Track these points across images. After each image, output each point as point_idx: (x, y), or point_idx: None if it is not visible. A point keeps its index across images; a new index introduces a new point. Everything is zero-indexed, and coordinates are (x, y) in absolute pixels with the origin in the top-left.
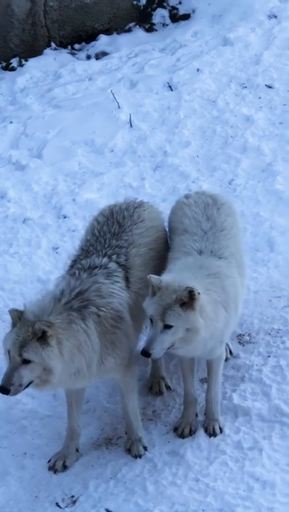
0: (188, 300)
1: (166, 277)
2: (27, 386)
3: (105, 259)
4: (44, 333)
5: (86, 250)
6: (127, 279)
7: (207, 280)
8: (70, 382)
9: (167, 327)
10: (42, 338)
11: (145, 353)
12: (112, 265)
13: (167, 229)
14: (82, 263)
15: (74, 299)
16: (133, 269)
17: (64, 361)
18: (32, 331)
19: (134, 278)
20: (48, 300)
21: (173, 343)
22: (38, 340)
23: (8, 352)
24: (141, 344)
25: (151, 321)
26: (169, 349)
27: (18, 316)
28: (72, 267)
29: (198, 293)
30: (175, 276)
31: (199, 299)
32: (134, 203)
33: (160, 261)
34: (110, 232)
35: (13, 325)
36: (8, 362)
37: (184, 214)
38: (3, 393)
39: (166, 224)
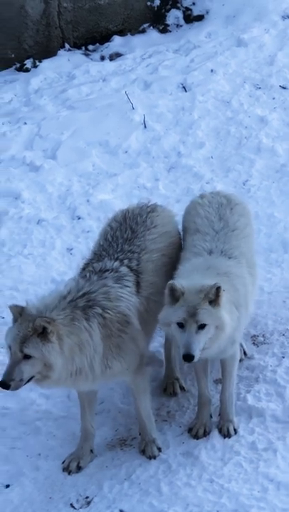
0: (214, 297)
1: (183, 282)
2: (28, 381)
3: (117, 263)
4: (45, 329)
5: (99, 254)
6: (137, 284)
7: (217, 279)
8: (73, 381)
9: (201, 327)
10: (42, 333)
11: (188, 356)
12: (124, 269)
13: (181, 228)
14: (94, 266)
15: (80, 298)
16: (144, 274)
17: (64, 358)
18: (33, 327)
19: (145, 283)
20: (53, 297)
21: (205, 343)
22: (38, 336)
23: (9, 347)
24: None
25: (182, 326)
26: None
27: (18, 312)
28: (84, 269)
29: (224, 289)
30: (188, 279)
31: (223, 294)
32: (147, 207)
33: (172, 266)
34: (123, 237)
35: (14, 320)
36: (9, 357)
37: (197, 214)
38: (3, 388)
39: (179, 228)
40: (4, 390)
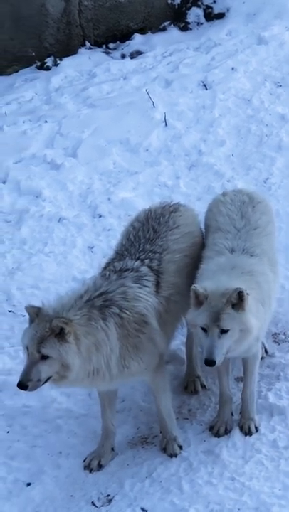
0: (237, 301)
1: (208, 284)
2: (45, 382)
3: (138, 263)
4: (62, 329)
5: (120, 254)
6: (157, 284)
7: (242, 278)
8: (90, 381)
9: (223, 332)
10: (60, 334)
11: (210, 362)
12: (144, 269)
13: (203, 227)
14: (115, 265)
15: (97, 298)
16: (165, 274)
17: (82, 358)
18: (50, 327)
19: (165, 283)
20: (70, 296)
21: (230, 347)
22: (56, 337)
23: (27, 348)
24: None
25: (205, 330)
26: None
27: (35, 313)
28: (105, 268)
29: (247, 293)
30: (213, 281)
31: (248, 298)
32: (169, 207)
33: (195, 267)
34: (145, 237)
35: (31, 321)
36: (26, 358)
37: (218, 212)
38: (21, 389)
39: (202, 227)
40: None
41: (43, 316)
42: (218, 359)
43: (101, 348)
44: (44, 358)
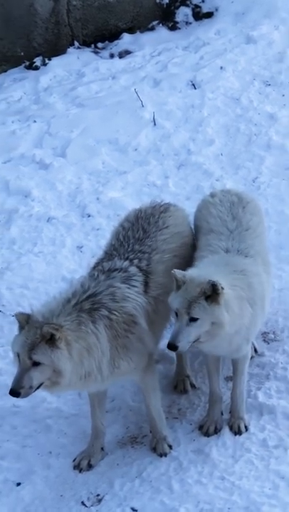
0: (212, 293)
1: (191, 272)
2: (37, 388)
3: (126, 263)
4: (52, 335)
5: (109, 254)
6: (146, 284)
7: (232, 276)
8: (82, 384)
9: (193, 320)
10: (51, 340)
11: (171, 346)
12: (133, 269)
13: (193, 227)
14: (104, 265)
15: (85, 301)
16: (154, 274)
17: (73, 363)
18: (41, 334)
19: (154, 283)
20: (58, 301)
21: (198, 337)
22: (46, 343)
23: (18, 355)
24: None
25: (177, 315)
26: (195, 343)
27: (25, 320)
28: (94, 268)
29: (222, 287)
30: (200, 270)
31: (224, 293)
32: (159, 207)
33: (185, 267)
34: (134, 237)
35: (21, 328)
36: (17, 365)
37: (209, 213)
38: (13, 396)
39: (192, 227)
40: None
41: (33, 322)
42: (182, 345)
43: (92, 352)
44: (36, 364)
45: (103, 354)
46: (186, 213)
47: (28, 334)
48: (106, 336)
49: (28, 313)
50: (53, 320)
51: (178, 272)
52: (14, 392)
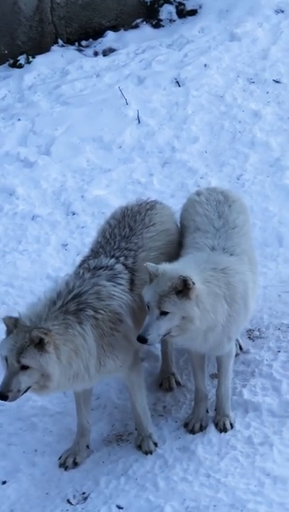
0: (183, 288)
1: (165, 266)
2: (25, 391)
3: (112, 260)
4: (41, 340)
5: (95, 251)
6: (132, 282)
7: (209, 273)
8: (69, 385)
9: (163, 313)
10: (39, 344)
11: (141, 338)
12: (118, 267)
13: (179, 226)
14: (89, 263)
15: (70, 302)
16: (140, 272)
17: (62, 366)
18: (29, 338)
19: (140, 281)
20: (43, 304)
21: (169, 331)
22: (35, 347)
23: (6, 358)
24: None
25: (148, 308)
26: (166, 336)
27: (13, 324)
28: (79, 266)
29: (193, 283)
30: (175, 265)
31: (194, 288)
32: (146, 205)
33: None
34: (121, 234)
35: (8, 332)
36: (5, 368)
37: (195, 212)
38: (1, 399)
39: (178, 224)
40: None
41: (21, 326)
42: (151, 338)
43: (80, 353)
44: (24, 368)
45: (90, 354)
46: (172, 211)
47: (17, 338)
48: (93, 335)
49: (16, 317)
50: (41, 324)
51: (150, 266)
52: (2, 396)
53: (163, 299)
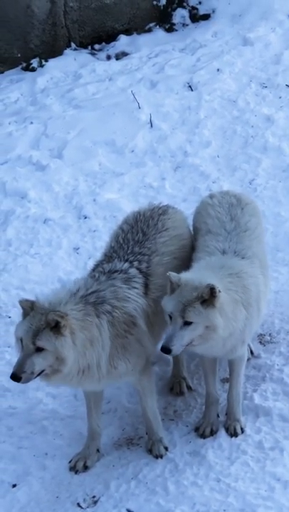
0: (208, 297)
1: (186, 275)
2: (38, 375)
3: (126, 265)
4: (58, 323)
5: (109, 256)
6: (146, 286)
7: (228, 279)
8: (79, 380)
9: (187, 323)
10: (55, 327)
11: (165, 349)
12: (133, 271)
13: (192, 229)
14: (104, 267)
15: (90, 295)
16: (154, 276)
17: (77, 352)
18: (46, 320)
19: (154, 285)
20: (65, 291)
21: (192, 340)
22: (51, 330)
23: (21, 340)
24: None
25: (171, 318)
26: (188, 346)
27: (29, 306)
28: (93, 270)
29: (219, 290)
30: (195, 274)
31: (220, 296)
32: (158, 210)
33: (184, 269)
34: (134, 239)
35: (25, 315)
36: (20, 350)
37: (207, 214)
38: (14, 380)
39: (191, 229)
40: (11, 390)
41: (39, 308)
42: (175, 348)
43: (94, 344)
44: (39, 350)
45: (103, 349)
46: (184, 215)
47: (33, 320)
48: (108, 332)
49: (32, 299)
50: (60, 308)
51: (173, 275)
52: (15, 377)
53: (187, 309)
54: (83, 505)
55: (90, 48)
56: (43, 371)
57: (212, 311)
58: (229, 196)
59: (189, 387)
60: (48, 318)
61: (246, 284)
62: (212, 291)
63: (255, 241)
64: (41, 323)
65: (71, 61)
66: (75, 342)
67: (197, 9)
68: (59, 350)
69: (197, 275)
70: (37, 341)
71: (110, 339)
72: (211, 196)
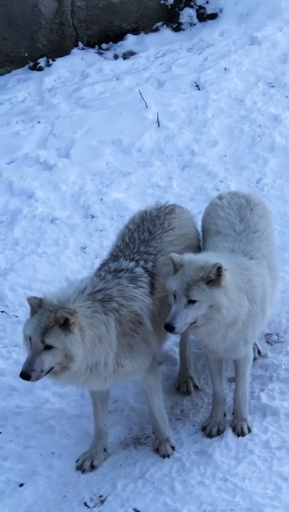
0: (215, 277)
1: (190, 255)
2: (47, 373)
3: (132, 264)
4: (67, 320)
5: (115, 255)
6: (152, 286)
7: (234, 265)
8: (86, 377)
9: (191, 302)
10: (64, 325)
11: (169, 326)
12: (139, 270)
13: (200, 230)
14: (110, 266)
15: (97, 292)
16: (160, 276)
17: (85, 349)
18: (54, 318)
19: (159, 285)
20: (72, 289)
21: (195, 319)
22: (60, 327)
23: (29, 338)
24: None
25: (175, 297)
26: (191, 326)
27: (37, 304)
28: (99, 269)
29: (226, 269)
30: (200, 255)
31: (226, 275)
32: (165, 209)
33: None
34: (140, 238)
35: (33, 312)
36: (28, 349)
37: (217, 216)
38: (24, 379)
39: (198, 228)
40: (18, 389)
41: (47, 306)
42: (178, 326)
43: (102, 342)
44: (48, 348)
45: (110, 348)
46: (191, 215)
47: (42, 318)
48: (115, 330)
49: (41, 297)
50: (69, 305)
51: (175, 256)
52: (25, 375)
53: (191, 288)
54: (90, 504)
55: (97, 47)
56: (52, 369)
57: (217, 290)
58: (238, 197)
59: (196, 387)
60: (57, 315)
61: (252, 281)
62: (219, 270)
63: (265, 243)
64: (50, 320)
65: (78, 60)
66: (83, 339)
67: (204, 8)
68: (68, 347)
69: (202, 256)
70: (46, 339)
71: (117, 337)
72: (220, 197)
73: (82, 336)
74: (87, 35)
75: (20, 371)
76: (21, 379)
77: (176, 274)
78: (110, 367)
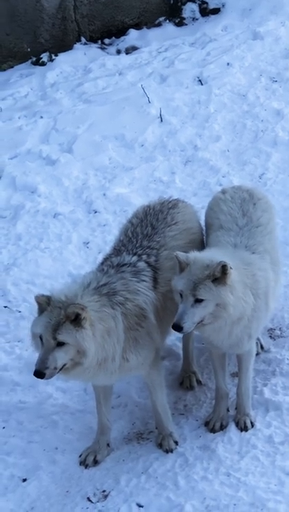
0: (220, 275)
1: (195, 254)
2: (60, 369)
3: (135, 258)
4: (77, 315)
5: (118, 250)
6: (155, 280)
7: (237, 261)
8: (94, 372)
9: (198, 301)
10: (75, 320)
11: (177, 326)
12: (141, 264)
13: (204, 224)
14: (112, 260)
15: (102, 286)
16: (162, 270)
17: (97, 343)
18: (65, 314)
19: (162, 279)
20: (78, 284)
21: (203, 318)
22: (71, 323)
23: (40, 336)
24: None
25: (181, 296)
26: (198, 325)
27: (46, 302)
28: (102, 264)
29: (231, 267)
30: (205, 253)
31: (231, 273)
32: (168, 204)
33: None
34: (143, 233)
35: (41, 310)
36: (38, 347)
37: (220, 210)
38: (38, 377)
39: (201, 223)
40: (21, 384)
41: (56, 303)
42: (186, 326)
43: (111, 336)
44: (60, 344)
45: (118, 341)
46: (194, 209)
47: (51, 315)
48: (122, 324)
49: (48, 294)
50: (78, 300)
51: (180, 254)
52: (39, 373)
53: (198, 286)
54: (93, 499)
55: (99, 42)
56: (64, 365)
57: (223, 288)
58: (241, 191)
59: (199, 382)
60: (68, 311)
61: (256, 275)
62: (224, 269)
63: (267, 237)
64: (60, 317)
65: (81, 55)
66: (94, 334)
67: (207, 3)
68: (80, 342)
69: (207, 253)
70: (58, 336)
71: (124, 332)
72: (223, 191)
73: (93, 331)
74: (89, 30)
75: (33, 370)
76: (35, 377)
77: (182, 273)
78: (117, 361)
